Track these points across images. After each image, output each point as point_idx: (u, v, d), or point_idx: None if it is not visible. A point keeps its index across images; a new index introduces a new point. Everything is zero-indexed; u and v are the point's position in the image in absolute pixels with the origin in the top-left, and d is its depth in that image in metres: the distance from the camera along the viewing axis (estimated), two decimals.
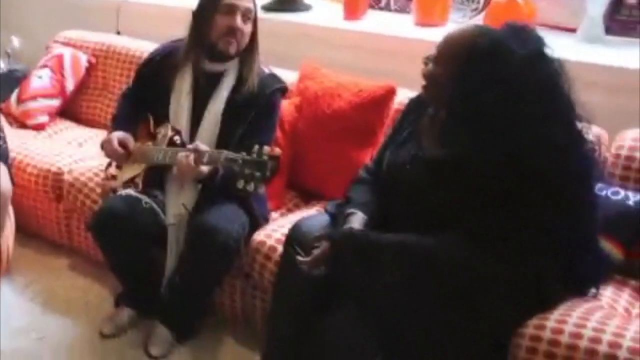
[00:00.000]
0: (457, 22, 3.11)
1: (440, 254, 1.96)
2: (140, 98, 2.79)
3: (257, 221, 2.62)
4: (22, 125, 3.69)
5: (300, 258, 2.12)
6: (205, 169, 2.37)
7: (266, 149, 2.23)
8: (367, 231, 2.10)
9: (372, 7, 3.46)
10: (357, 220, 2.12)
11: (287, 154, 2.89)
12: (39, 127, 3.68)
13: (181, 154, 2.41)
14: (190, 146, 2.44)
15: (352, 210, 2.16)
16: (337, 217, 2.20)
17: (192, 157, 2.37)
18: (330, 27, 3.29)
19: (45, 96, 3.74)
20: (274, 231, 2.56)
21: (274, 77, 2.67)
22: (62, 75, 3.78)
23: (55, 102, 3.77)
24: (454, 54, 2.01)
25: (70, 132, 3.69)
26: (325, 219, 2.28)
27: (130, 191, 2.59)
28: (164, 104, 2.66)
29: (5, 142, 2.92)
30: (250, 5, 2.56)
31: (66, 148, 3.39)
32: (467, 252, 1.96)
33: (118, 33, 4.11)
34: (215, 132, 2.59)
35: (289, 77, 3.06)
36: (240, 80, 2.60)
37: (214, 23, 2.55)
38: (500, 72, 1.93)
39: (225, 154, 2.31)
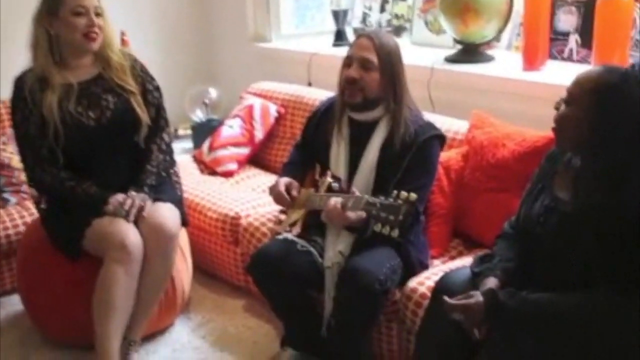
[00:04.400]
0: None
1: (591, 315, 2.07)
2: (308, 148, 3.13)
3: (414, 267, 2.82)
4: (212, 172, 4.15)
5: (446, 298, 2.26)
6: (352, 215, 2.60)
7: (403, 194, 2.44)
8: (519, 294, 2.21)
9: (554, 57, 3.54)
10: (491, 284, 2.26)
11: (452, 201, 3.09)
12: (228, 174, 4.12)
13: (333, 199, 2.65)
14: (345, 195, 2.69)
15: (488, 273, 2.31)
16: (476, 276, 2.35)
17: (339, 202, 2.61)
18: (504, 77, 3.43)
19: (235, 144, 4.18)
20: (428, 279, 2.74)
21: (429, 125, 2.89)
22: (252, 125, 4.21)
23: (245, 151, 4.19)
24: (585, 91, 2.13)
25: (256, 179, 4.09)
26: (469, 273, 2.43)
27: (289, 235, 2.89)
28: (326, 154, 2.95)
29: (180, 186, 3.34)
30: (367, 55, 2.80)
31: (249, 194, 3.79)
32: (621, 309, 2.06)
33: (309, 84, 4.47)
34: (371, 180, 2.84)
35: (461, 126, 3.25)
36: (392, 130, 2.83)
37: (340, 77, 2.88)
38: (634, 105, 2.05)
39: (366, 198, 2.55)
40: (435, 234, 3.05)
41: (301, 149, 3.19)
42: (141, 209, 2.94)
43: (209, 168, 4.18)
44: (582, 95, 2.14)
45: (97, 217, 2.92)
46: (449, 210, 3.09)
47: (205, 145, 4.25)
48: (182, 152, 4.59)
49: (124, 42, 4.56)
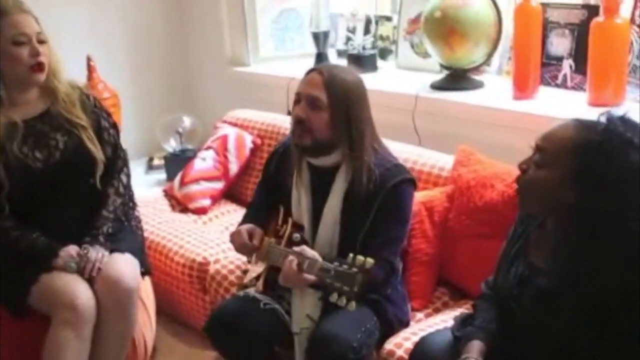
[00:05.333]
0: (636, 100, 2.89)
1: None
2: (269, 189, 2.86)
3: (391, 326, 2.57)
4: (184, 209, 3.89)
5: None
6: (310, 277, 2.33)
7: (359, 259, 2.18)
8: None
9: (547, 83, 3.30)
10: (474, 350, 2.06)
11: (436, 247, 2.87)
12: (200, 211, 3.88)
13: (289, 259, 2.40)
14: (296, 249, 2.43)
15: (472, 336, 2.11)
16: (459, 341, 2.14)
17: (295, 262, 2.37)
18: (492, 107, 3.20)
19: (207, 179, 3.94)
20: (406, 340, 2.50)
21: (397, 168, 2.60)
22: (226, 157, 3.97)
23: (218, 185, 3.95)
24: (563, 151, 1.91)
25: (231, 215, 3.84)
26: (449, 336, 2.21)
27: (251, 291, 2.65)
28: (288, 198, 2.70)
29: (141, 232, 3.08)
30: (315, 92, 2.52)
31: (220, 234, 3.53)
32: None
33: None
34: (336, 232, 2.59)
35: (447, 162, 3.01)
36: (354, 176, 2.55)
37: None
38: (621, 166, 1.84)
39: (320, 263, 2.30)
40: (416, 284, 2.81)
41: (264, 190, 2.93)
42: (97, 263, 2.70)
43: (180, 204, 3.94)
44: (559, 156, 1.91)
45: (45, 271, 2.68)
46: (432, 257, 2.85)
47: (177, 180, 4.01)
48: (155, 184, 4.38)
49: (90, 68, 4.34)
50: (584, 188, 1.87)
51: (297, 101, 2.58)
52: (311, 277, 2.33)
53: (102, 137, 2.90)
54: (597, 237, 1.86)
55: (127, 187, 3.00)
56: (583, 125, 1.94)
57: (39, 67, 2.71)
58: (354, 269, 2.19)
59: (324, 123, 2.52)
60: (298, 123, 2.54)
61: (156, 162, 4.68)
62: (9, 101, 2.76)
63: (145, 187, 4.33)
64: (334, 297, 2.22)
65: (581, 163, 1.88)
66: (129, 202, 3.03)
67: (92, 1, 4.66)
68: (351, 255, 2.22)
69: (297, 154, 2.65)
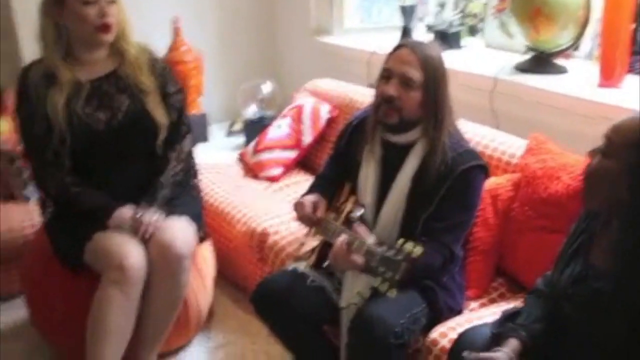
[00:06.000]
0: None
1: None
2: (340, 162, 2.81)
3: (441, 313, 2.50)
4: (256, 175, 3.88)
5: (466, 354, 2.00)
6: (359, 259, 2.29)
7: (407, 246, 2.12)
8: None
9: (637, 73, 3.14)
10: (509, 347, 1.99)
11: (497, 236, 2.78)
12: (272, 179, 3.87)
13: (340, 238, 2.37)
14: (353, 229, 2.38)
15: (509, 333, 2.03)
16: (497, 338, 2.06)
17: (345, 241, 2.33)
18: (571, 94, 3.06)
19: (281, 147, 3.93)
20: (452, 330, 2.43)
21: (470, 153, 2.52)
22: (300, 127, 3.93)
23: (291, 154, 3.93)
24: (626, 143, 1.80)
25: (301, 185, 3.74)
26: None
27: (300, 266, 2.63)
28: (356, 173, 2.65)
29: (200, 199, 3.12)
30: (410, 71, 2.44)
31: (287, 204, 3.47)
32: None
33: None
34: (399, 212, 2.53)
35: (521, 147, 2.91)
36: (427, 156, 2.49)
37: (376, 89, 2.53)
38: None
39: (368, 245, 2.26)
40: (473, 272, 2.72)
41: (334, 162, 2.89)
42: (151, 225, 2.71)
43: (253, 171, 3.94)
44: (622, 149, 1.80)
45: (100, 230, 2.71)
46: (492, 247, 2.75)
47: (251, 146, 4.01)
48: (235, 148, 4.39)
49: (175, 30, 4.38)
50: (638, 185, 1.77)
51: (386, 77, 2.50)
52: (359, 259, 2.29)
53: (168, 102, 2.90)
54: None
55: (189, 154, 3.01)
56: None
57: (106, 27, 2.72)
58: (400, 257, 2.13)
59: (415, 103, 2.47)
60: (387, 101, 2.48)
61: (237, 127, 4.70)
62: (77, 60, 2.79)
63: (224, 150, 4.38)
64: (376, 282, 2.18)
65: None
66: (190, 169, 3.04)
67: None
68: (400, 241, 2.17)
69: (372, 129, 2.60)
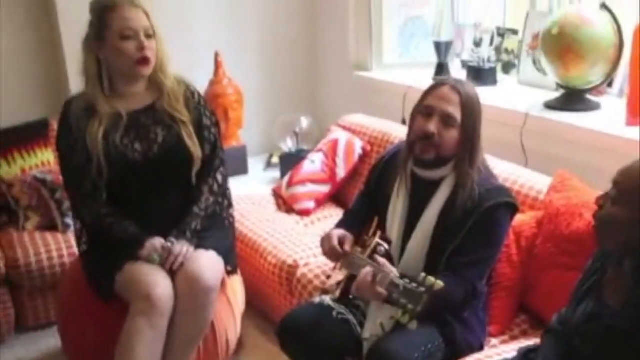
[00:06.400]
0: None
1: None
2: (370, 198, 2.88)
3: (460, 349, 2.52)
4: (289, 209, 3.97)
5: None
6: (381, 290, 2.33)
7: (430, 279, 2.17)
8: None
9: None
10: None
11: (520, 273, 2.82)
12: (305, 213, 3.95)
13: (365, 270, 2.41)
14: (378, 263, 2.44)
15: None
16: None
17: (370, 274, 2.37)
18: (600, 131, 3.09)
19: (314, 181, 4.00)
20: None
21: (498, 190, 2.57)
22: (334, 161, 4.01)
23: (324, 188, 4.00)
24: (635, 191, 1.80)
25: (333, 220, 3.77)
26: None
27: (326, 299, 2.68)
28: (385, 208, 2.71)
29: (233, 230, 3.19)
30: (452, 110, 2.51)
31: (318, 238, 3.52)
32: None
33: (404, 122, 4.22)
34: (425, 246, 2.58)
35: (546, 185, 2.94)
36: (455, 192, 2.54)
37: (413, 125, 2.57)
38: None
39: (391, 277, 2.30)
40: (496, 309, 2.75)
41: (364, 197, 2.95)
42: (180, 257, 2.79)
43: (286, 204, 4.02)
44: (632, 194, 1.82)
45: (130, 260, 2.80)
46: (515, 283, 2.78)
47: (285, 180, 4.09)
48: (271, 181, 4.47)
49: (217, 64, 4.50)
50: None
51: (427, 115, 2.57)
52: (382, 291, 2.33)
53: (203, 134, 2.99)
54: None
55: (222, 186, 3.08)
56: None
57: (144, 61, 2.83)
58: (422, 289, 2.19)
59: (453, 140, 2.54)
60: (426, 137, 2.54)
61: (274, 160, 4.79)
62: (116, 92, 2.90)
63: (261, 184, 4.47)
64: (398, 314, 2.23)
65: None
66: (223, 201, 3.12)
67: None
68: (423, 274, 2.22)
69: (404, 164, 2.66)
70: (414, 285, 2.21)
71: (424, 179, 2.63)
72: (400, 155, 2.72)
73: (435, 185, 2.60)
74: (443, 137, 2.53)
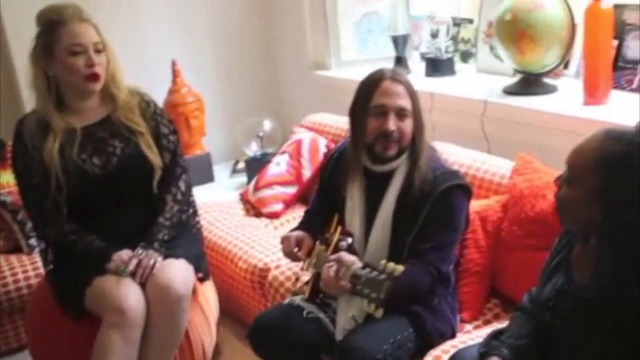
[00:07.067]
0: None
1: None
2: (327, 195, 2.88)
3: (431, 337, 2.54)
4: (258, 213, 3.97)
5: None
6: (346, 284, 2.35)
7: (390, 266, 2.19)
8: None
9: (622, 88, 3.18)
10: None
11: (489, 257, 2.84)
12: (273, 216, 3.96)
13: (327, 265, 2.43)
14: (334, 256, 2.44)
15: (492, 351, 2.07)
16: (482, 357, 2.10)
17: (333, 269, 2.39)
18: (558, 113, 3.11)
19: (281, 183, 4.02)
20: (445, 353, 2.46)
21: (451, 174, 2.60)
22: (300, 162, 4.04)
23: (291, 190, 4.02)
24: (587, 167, 1.83)
25: None
26: None
27: (296, 299, 2.70)
28: (342, 205, 2.72)
29: (201, 237, 3.18)
30: (403, 102, 2.55)
31: None
32: None
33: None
34: (386, 238, 2.60)
35: (508, 169, 2.97)
36: (409, 179, 2.56)
37: (367, 126, 2.57)
38: None
39: (353, 270, 2.32)
40: (467, 295, 2.78)
41: (321, 196, 2.97)
42: (149, 268, 2.77)
43: (254, 208, 4.02)
44: (584, 173, 1.84)
45: (99, 275, 2.78)
46: (484, 268, 2.81)
47: (252, 184, 4.10)
48: (238, 187, 4.47)
49: (174, 72, 4.49)
50: (610, 205, 1.80)
51: (380, 114, 2.57)
52: (346, 284, 2.35)
53: (161, 143, 2.98)
54: (630, 254, 1.79)
55: (186, 194, 3.06)
56: (609, 137, 1.84)
57: (93, 77, 2.82)
58: (383, 276, 2.21)
59: (409, 130, 2.59)
60: (386, 136, 2.56)
61: (240, 165, 4.79)
62: (69, 108, 2.89)
63: (229, 190, 4.46)
64: (364, 304, 2.25)
65: (604, 178, 1.80)
66: (188, 209, 3.10)
67: (180, 5, 4.80)
68: (383, 262, 2.25)
69: (353, 162, 2.67)
70: (375, 273, 2.23)
71: (377, 173, 2.66)
72: (347, 154, 2.73)
73: (387, 176, 2.63)
74: (402, 130, 2.56)
